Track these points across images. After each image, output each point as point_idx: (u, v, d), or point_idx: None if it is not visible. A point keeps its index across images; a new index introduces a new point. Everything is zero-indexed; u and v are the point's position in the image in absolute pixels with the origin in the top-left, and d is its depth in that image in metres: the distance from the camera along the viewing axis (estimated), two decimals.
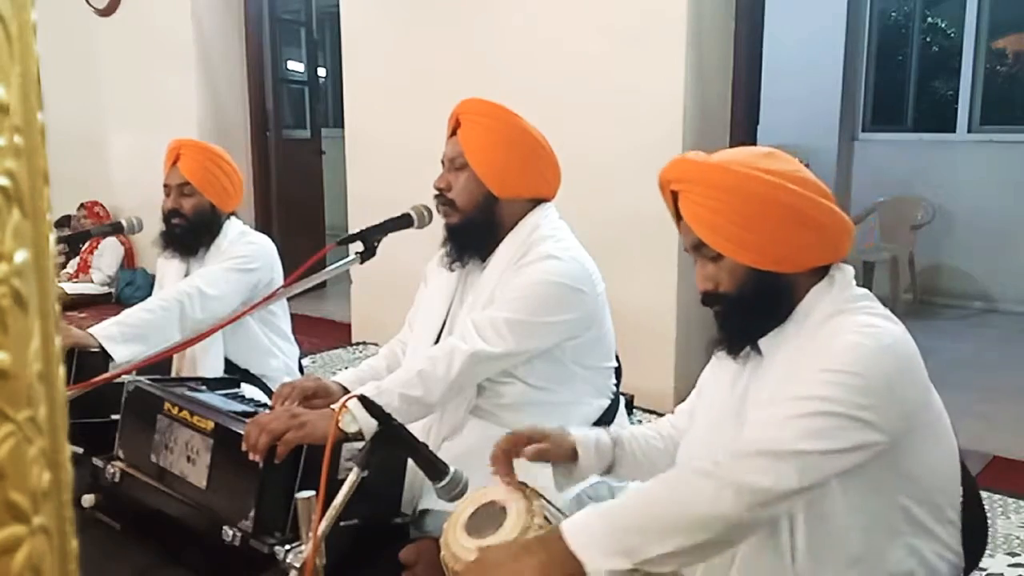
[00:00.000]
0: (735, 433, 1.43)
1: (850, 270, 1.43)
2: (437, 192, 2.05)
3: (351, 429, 1.67)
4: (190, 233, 2.70)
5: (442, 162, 2.08)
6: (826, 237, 1.38)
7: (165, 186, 2.73)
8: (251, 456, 1.68)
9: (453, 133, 2.06)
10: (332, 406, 1.81)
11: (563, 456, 1.58)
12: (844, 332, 1.30)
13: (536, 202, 2.08)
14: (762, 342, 1.42)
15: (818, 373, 1.27)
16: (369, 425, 1.59)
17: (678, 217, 1.45)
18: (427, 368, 1.86)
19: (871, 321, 1.32)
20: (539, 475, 1.59)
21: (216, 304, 2.58)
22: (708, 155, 1.42)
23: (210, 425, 1.79)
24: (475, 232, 2.05)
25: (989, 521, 2.64)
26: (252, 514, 1.66)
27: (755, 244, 1.36)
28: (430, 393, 1.84)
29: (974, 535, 1.46)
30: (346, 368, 2.31)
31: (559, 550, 1.24)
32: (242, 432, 1.71)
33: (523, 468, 1.57)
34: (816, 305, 1.37)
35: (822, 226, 1.36)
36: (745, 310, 1.41)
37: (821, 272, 1.40)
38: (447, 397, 1.90)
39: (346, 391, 2.00)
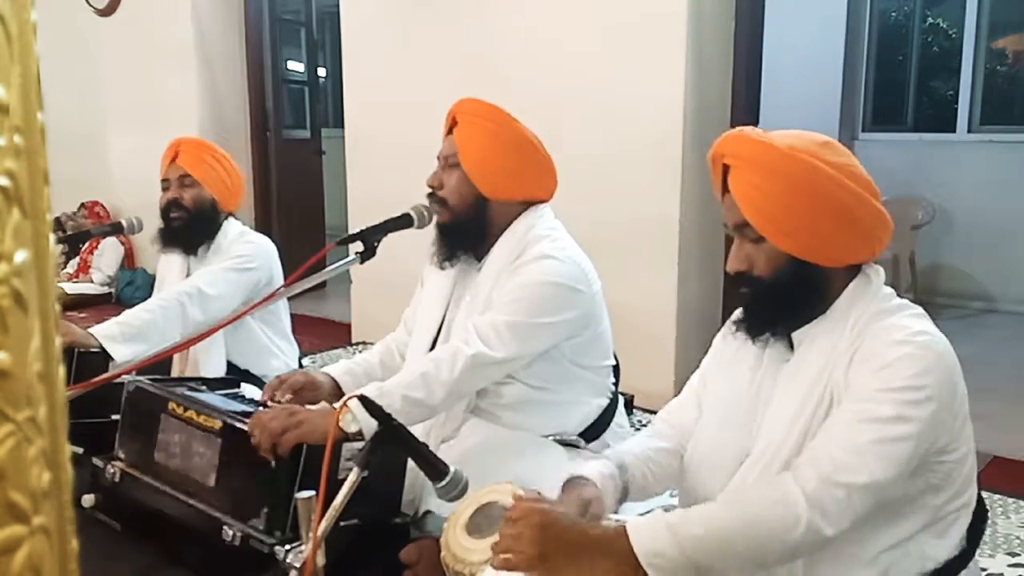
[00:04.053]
0: (746, 430, 1.42)
1: (881, 269, 1.42)
2: (430, 190, 2.06)
3: (351, 429, 1.67)
4: (189, 226, 2.68)
5: (437, 159, 2.08)
6: (869, 236, 1.37)
7: (163, 180, 2.72)
8: (262, 454, 1.69)
9: (450, 131, 2.06)
10: (334, 404, 1.82)
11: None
12: (899, 342, 1.29)
13: (528, 204, 2.07)
14: (795, 335, 1.40)
15: (886, 392, 1.26)
16: (369, 425, 1.59)
17: (724, 190, 1.41)
18: (430, 370, 1.85)
19: (921, 327, 1.31)
20: (540, 478, 1.58)
21: (216, 304, 2.58)
22: (765, 133, 1.39)
23: (218, 424, 1.79)
24: (465, 231, 2.05)
25: (989, 521, 2.64)
26: (265, 512, 1.66)
27: (801, 233, 1.34)
28: (432, 395, 1.84)
29: (972, 526, 1.46)
30: None
31: (626, 559, 1.23)
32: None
33: (526, 479, 1.57)
34: (855, 303, 1.36)
35: (868, 225, 1.36)
36: (776, 297, 1.39)
37: (855, 269, 1.39)
38: (449, 400, 1.90)
39: (336, 383, 2.01)
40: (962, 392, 1.34)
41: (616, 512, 1.52)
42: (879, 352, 1.29)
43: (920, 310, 1.38)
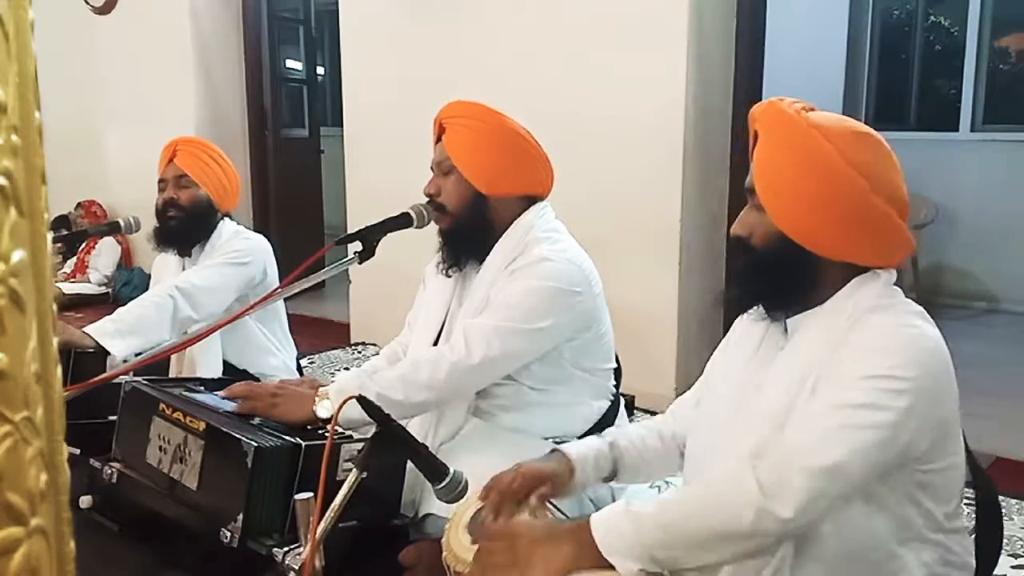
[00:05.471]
0: (745, 420, 1.40)
1: (894, 272, 1.39)
2: (428, 198, 2.05)
3: (323, 415, 1.77)
4: (185, 225, 2.68)
5: (431, 168, 2.08)
6: (872, 240, 1.34)
7: (161, 180, 2.71)
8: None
9: (439, 139, 2.06)
10: (329, 399, 1.84)
11: (565, 485, 1.56)
12: (886, 332, 1.27)
13: (529, 201, 2.07)
14: (790, 321, 1.39)
15: (863, 379, 1.23)
16: (347, 414, 1.59)
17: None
18: (409, 373, 1.88)
19: (912, 321, 1.29)
20: None
21: (210, 298, 2.57)
22: (805, 108, 1.37)
23: (202, 426, 1.78)
24: (468, 235, 2.04)
25: None
26: (240, 517, 1.65)
27: (798, 215, 1.33)
28: (409, 397, 1.85)
29: (989, 536, 1.44)
30: (346, 369, 2.31)
31: (588, 545, 1.26)
32: (233, 434, 1.70)
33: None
34: (855, 296, 1.33)
35: (874, 228, 1.32)
36: (764, 272, 1.38)
37: (859, 267, 1.36)
38: (431, 403, 1.91)
39: None
40: (949, 396, 1.30)
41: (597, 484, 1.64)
42: (863, 340, 1.27)
43: (920, 308, 1.35)
